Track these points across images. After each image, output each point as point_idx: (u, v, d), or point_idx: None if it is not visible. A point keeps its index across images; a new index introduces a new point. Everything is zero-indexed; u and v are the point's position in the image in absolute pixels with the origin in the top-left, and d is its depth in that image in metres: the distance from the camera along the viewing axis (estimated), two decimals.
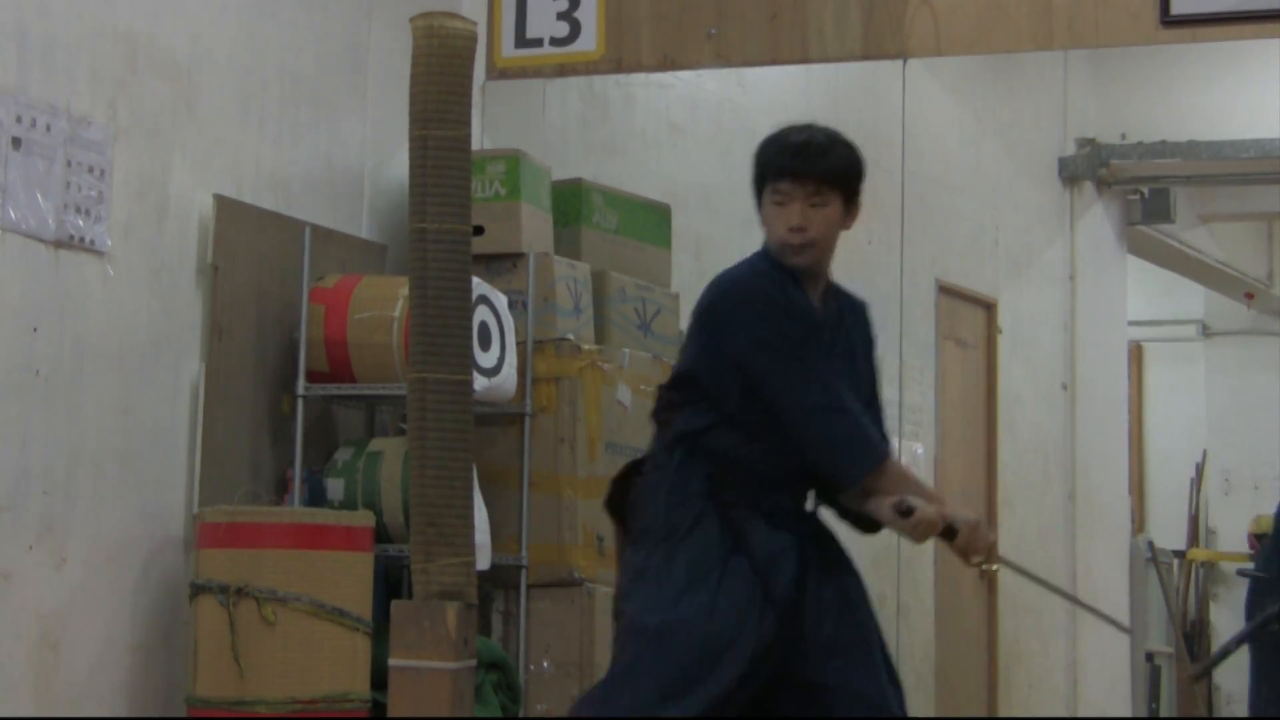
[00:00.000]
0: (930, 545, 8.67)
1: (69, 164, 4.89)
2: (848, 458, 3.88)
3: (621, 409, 5.87)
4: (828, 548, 4.02)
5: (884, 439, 3.99)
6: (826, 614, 3.94)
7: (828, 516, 4.12)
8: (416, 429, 4.37)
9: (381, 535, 5.39)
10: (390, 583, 5.50)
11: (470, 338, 4.39)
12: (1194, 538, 12.09)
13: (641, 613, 3.90)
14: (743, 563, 3.91)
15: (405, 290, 5.55)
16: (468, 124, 4.30)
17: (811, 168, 3.90)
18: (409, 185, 4.21)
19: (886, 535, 4.16)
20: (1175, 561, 11.69)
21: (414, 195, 4.21)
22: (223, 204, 5.41)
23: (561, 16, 6.41)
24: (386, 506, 5.48)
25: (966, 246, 8.74)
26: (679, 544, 3.92)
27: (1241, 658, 7.47)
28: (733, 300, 3.92)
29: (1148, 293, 11.49)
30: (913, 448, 8.18)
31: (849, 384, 3.94)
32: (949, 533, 3.89)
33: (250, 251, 5.51)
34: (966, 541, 3.91)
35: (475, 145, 6.43)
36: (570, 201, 6.22)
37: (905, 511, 3.83)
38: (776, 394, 3.88)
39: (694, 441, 3.92)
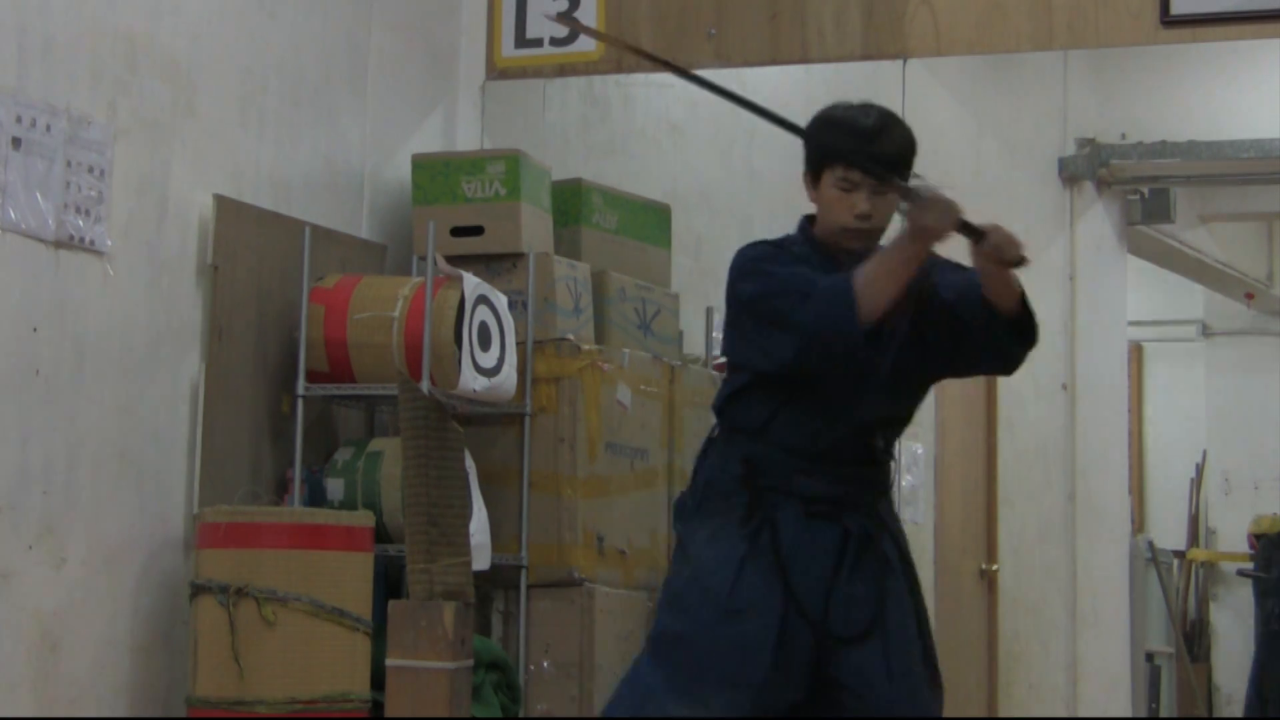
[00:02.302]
0: (929, 545, 8.69)
1: (69, 164, 4.89)
2: (835, 322, 3.66)
3: (621, 409, 5.87)
4: (874, 545, 3.81)
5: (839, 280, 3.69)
6: (854, 612, 3.76)
7: (892, 517, 3.92)
8: (410, 431, 4.39)
9: (381, 535, 5.39)
10: (390, 583, 5.50)
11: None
12: (1194, 538, 12.09)
13: (661, 607, 3.83)
14: (767, 553, 3.76)
15: (405, 290, 5.56)
16: None
17: (886, 154, 3.81)
18: None
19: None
20: (1175, 561, 11.70)
21: None
22: (223, 204, 5.41)
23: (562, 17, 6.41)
24: (386, 506, 5.48)
25: (967, 247, 8.73)
26: (705, 532, 3.81)
27: (1243, 658, 7.47)
28: (733, 265, 3.86)
29: (1148, 293, 11.49)
30: (913, 448, 8.18)
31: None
32: (976, 234, 3.63)
33: (250, 251, 5.51)
34: (1001, 239, 3.65)
35: (475, 145, 6.47)
36: (570, 201, 6.23)
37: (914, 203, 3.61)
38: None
39: (728, 417, 3.83)
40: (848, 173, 3.81)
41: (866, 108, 3.93)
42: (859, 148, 3.80)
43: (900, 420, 3.98)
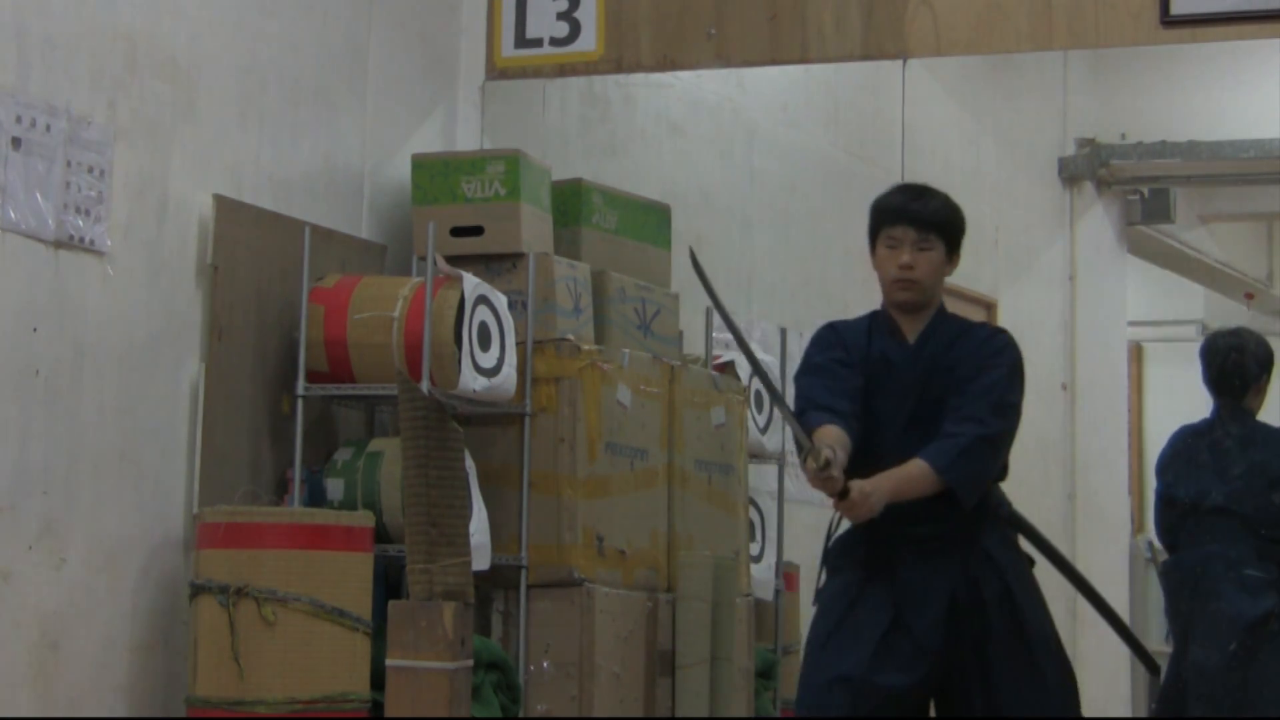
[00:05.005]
0: None
1: (69, 164, 4.89)
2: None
3: (621, 409, 5.87)
4: (989, 583, 4.30)
5: (835, 419, 4.23)
6: (976, 653, 4.28)
7: (1001, 546, 4.38)
8: (410, 431, 4.38)
9: (381, 535, 5.39)
10: (390, 583, 5.50)
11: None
12: None
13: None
14: (880, 592, 4.29)
15: (405, 291, 5.56)
16: None
17: (921, 210, 4.38)
18: None
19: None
20: None
21: None
22: (223, 204, 5.41)
23: (561, 16, 6.41)
24: (386, 506, 5.48)
25: (966, 246, 8.71)
26: (831, 576, 4.39)
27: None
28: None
29: (1148, 293, 11.48)
30: None
31: (911, 404, 4.34)
32: (841, 492, 4.11)
33: (250, 251, 5.50)
34: (850, 506, 4.14)
35: (475, 145, 6.47)
36: (570, 201, 6.22)
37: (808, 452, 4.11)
38: None
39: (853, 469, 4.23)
40: (891, 230, 4.37)
41: (915, 184, 4.54)
42: (903, 205, 4.40)
43: None
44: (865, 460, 4.22)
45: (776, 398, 4.39)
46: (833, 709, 4.20)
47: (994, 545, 4.35)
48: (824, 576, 4.44)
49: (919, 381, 4.35)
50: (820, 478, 4.03)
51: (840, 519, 4.30)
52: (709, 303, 6.64)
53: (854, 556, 4.35)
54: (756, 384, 6.58)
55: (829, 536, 4.43)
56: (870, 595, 4.29)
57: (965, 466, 4.21)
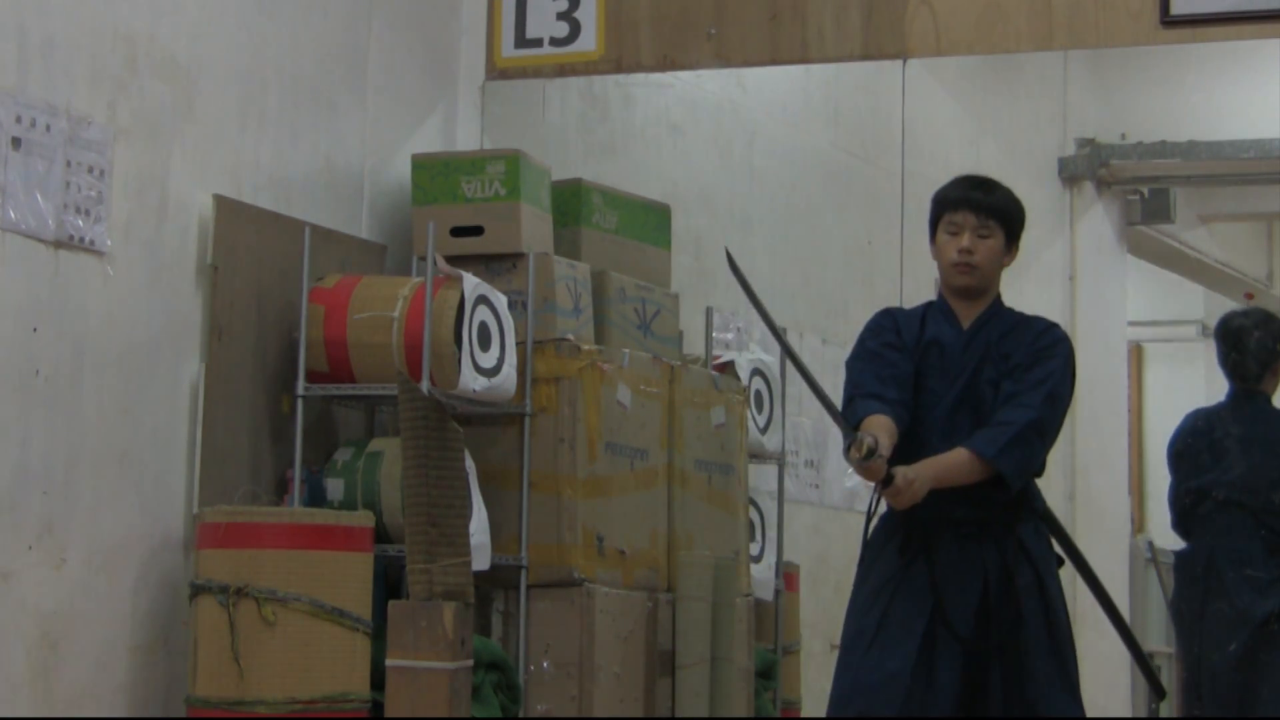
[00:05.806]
0: None
1: (69, 164, 4.90)
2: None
3: (621, 409, 5.87)
4: (1022, 573, 4.36)
5: (882, 407, 4.33)
6: (996, 633, 4.32)
7: (1034, 538, 4.45)
8: (410, 431, 4.38)
9: (381, 535, 5.39)
10: (390, 583, 5.50)
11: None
12: None
13: (843, 633, 4.46)
14: (919, 578, 4.34)
15: (405, 291, 5.56)
16: None
17: (983, 198, 4.51)
18: None
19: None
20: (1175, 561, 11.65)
21: None
22: (223, 204, 5.41)
23: (561, 16, 6.41)
24: (386, 506, 5.48)
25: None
26: (871, 564, 4.44)
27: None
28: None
29: (1148, 293, 11.48)
30: None
31: (962, 387, 4.43)
32: (886, 479, 4.19)
33: (250, 251, 5.51)
34: (894, 493, 4.22)
35: (475, 145, 6.47)
36: (570, 201, 6.22)
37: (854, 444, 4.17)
38: None
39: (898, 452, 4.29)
40: (953, 215, 4.50)
41: (976, 175, 4.66)
42: (965, 192, 4.54)
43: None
44: (910, 441, 4.33)
45: (819, 394, 4.39)
46: (885, 709, 4.25)
47: (1028, 536, 4.42)
48: (864, 561, 4.50)
49: (970, 366, 4.45)
50: (864, 466, 4.09)
51: (879, 501, 4.35)
52: (709, 303, 6.70)
53: (893, 542, 4.42)
54: (757, 384, 6.59)
55: (869, 520, 4.49)
56: (909, 585, 4.35)
57: (1016, 452, 4.30)
